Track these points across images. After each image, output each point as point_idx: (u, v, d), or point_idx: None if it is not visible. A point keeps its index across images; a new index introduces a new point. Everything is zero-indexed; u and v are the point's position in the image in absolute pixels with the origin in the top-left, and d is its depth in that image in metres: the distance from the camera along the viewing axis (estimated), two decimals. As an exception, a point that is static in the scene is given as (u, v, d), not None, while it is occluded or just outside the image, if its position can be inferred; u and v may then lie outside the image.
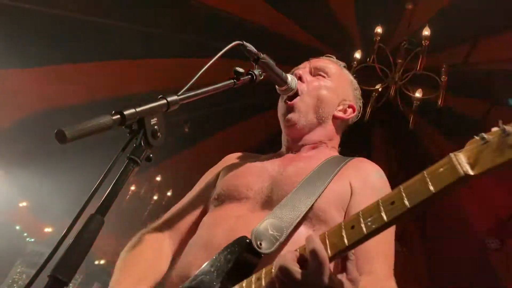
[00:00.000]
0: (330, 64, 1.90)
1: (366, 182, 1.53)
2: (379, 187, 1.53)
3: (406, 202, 0.87)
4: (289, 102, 1.75)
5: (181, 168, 6.42)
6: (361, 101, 1.97)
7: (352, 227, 0.95)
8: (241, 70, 1.48)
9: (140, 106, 1.04)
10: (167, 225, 1.68)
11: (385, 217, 0.89)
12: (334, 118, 1.82)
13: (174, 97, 1.17)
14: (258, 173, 1.62)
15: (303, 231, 1.36)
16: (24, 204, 8.33)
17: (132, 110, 1.00)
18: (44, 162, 6.24)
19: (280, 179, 1.55)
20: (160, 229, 1.67)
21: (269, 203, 1.47)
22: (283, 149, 1.85)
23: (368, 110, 4.83)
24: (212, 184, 1.73)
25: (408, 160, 6.38)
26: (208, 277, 1.28)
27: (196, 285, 1.29)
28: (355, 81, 1.97)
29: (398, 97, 4.82)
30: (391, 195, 0.91)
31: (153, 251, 1.58)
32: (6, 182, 7.12)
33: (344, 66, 1.98)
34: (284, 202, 1.41)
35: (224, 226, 1.43)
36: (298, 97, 1.75)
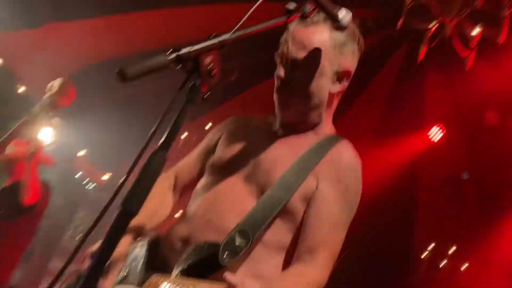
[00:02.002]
0: (309, 46, 1.65)
1: (333, 182, 1.60)
2: (345, 186, 1.62)
3: None
4: (279, 94, 1.71)
5: (229, 116, 6.46)
6: (360, 51, 1.76)
7: None
8: (292, 7, 1.44)
9: (194, 45, 1.05)
10: (174, 177, 1.88)
11: None
12: (330, 95, 1.72)
13: (226, 36, 1.17)
14: (246, 151, 1.70)
15: (272, 230, 1.54)
16: (83, 152, 8.74)
17: (188, 49, 1.02)
18: (102, 111, 6.46)
19: (262, 163, 1.64)
20: (168, 178, 1.87)
21: (249, 179, 1.62)
22: (277, 122, 1.78)
23: (422, 50, 4.64)
24: (212, 149, 1.84)
25: (464, 105, 6.14)
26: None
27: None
28: (343, 36, 1.69)
29: (454, 35, 4.58)
30: None
31: (160, 198, 1.78)
32: (65, 132, 7.46)
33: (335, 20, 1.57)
34: (257, 206, 1.54)
35: (209, 198, 1.62)
36: (287, 89, 1.68)
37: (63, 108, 4.17)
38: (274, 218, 1.53)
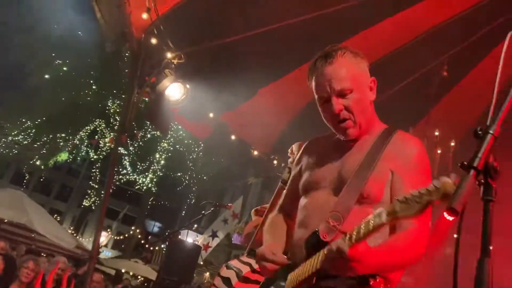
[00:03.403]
0: (346, 75, 2.03)
1: (404, 164, 2.00)
2: (415, 163, 2.02)
3: None
4: (344, 123, 2.07)
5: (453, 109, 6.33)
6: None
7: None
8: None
9: (478, 152, 1.24)
10: (284, 210, 2.43)
11: None
12: (371, 102, 2.14)
13: (494, 126, 1.30)
14: (328, 168, 2.14)
15: (356, 211, 1.92)
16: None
17: (478, 160, 1.22)
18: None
19: (342, 171, 2.07)
20: (280, 212, 2.44)
21: (339, 189, 2.03)
22: (341, 137, 2.17)
23: None
24: (298, 176, 2.32)
25: None
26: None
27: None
28: (357, 58, 2.11)
29: None
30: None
31: (281, 229, 2.34)
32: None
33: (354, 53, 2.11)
34: (341, 195, 1.99)
35: (313, 213, 2.07)
36: (349, 116, 2.05)
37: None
38: (357, 201, 1.95)
